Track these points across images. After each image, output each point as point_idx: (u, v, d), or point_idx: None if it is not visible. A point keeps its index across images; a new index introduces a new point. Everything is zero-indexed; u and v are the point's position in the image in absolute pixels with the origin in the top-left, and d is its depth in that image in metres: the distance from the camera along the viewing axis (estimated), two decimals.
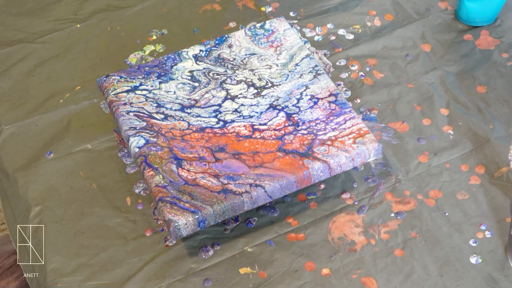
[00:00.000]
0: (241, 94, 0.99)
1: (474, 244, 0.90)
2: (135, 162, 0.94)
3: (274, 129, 0.94)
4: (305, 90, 0.99)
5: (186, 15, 1.20)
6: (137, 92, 1.00)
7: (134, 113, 0.97)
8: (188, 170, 0.91)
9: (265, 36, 1.06)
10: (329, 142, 0.92)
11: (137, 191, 0.98)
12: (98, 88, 1.07)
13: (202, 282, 0.89)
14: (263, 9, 1.20)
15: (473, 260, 0.89)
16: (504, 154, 0.98)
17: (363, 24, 1.16)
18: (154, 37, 1.16)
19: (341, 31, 1.15)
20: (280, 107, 0.97)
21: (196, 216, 0.86)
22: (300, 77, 1.00)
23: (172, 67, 1.03)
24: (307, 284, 0.88)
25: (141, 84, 1.01)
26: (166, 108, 0.98)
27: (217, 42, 1.05)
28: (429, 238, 0.91)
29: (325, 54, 1.11)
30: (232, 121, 0.96)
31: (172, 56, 1.04)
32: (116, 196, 0.97)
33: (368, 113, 1.04)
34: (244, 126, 0.95)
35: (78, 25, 1.19)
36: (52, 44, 1.16)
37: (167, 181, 0.89)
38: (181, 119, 0.96)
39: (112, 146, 1.03)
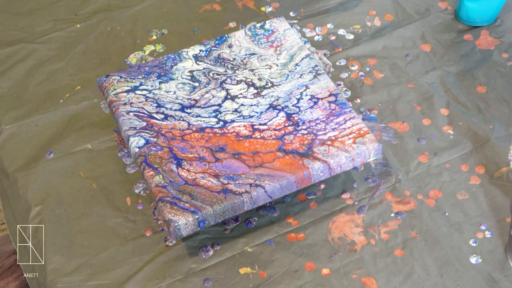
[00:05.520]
0: (241, 94, 0.99)
1: (474, 244, 0.90)
2: (135, 162, 0.94)
3: (274, 129, 0.94)
4: (305, 90, 0.99)
5: (186, 15, 1.20)
6: (137, 92, 1.00)
7: (134, 113, 0.97)
8: (188, 170, 0.91)
9: (265, 36, 1.06)
10: (329, 142, 0.92)
11: (137, 191, 0.98)
12: (98, 88, 1.07)
13: (202, 282, 0.89)
14: (263, 9, 1.20)
15: (473, 260, 0.89)
16: (504, 154, 0.98)
17: (363, 24, 1.16)
18: (154, 37, 1.16)
19: (341, 31, 1.15)
20: (280, 107, 0.97)
21: (196, 216, 0.86)
22: (300, 77, 1.00)
23: (172, 67, 1.03)
24: (307, 284, 0.88)
25: (141, 84, 1.01)
26: (166, 108, 0.98)
27: (217, 42, 1.05)
28: (429, 238, 0.91)
29: (325, 54, 1.11)
30: (232, 121, 0.96)
31: (172, 56, 1.04)
32: (116, 196, 0.97)
33: (368, 113, 1.04)
34: (244, 126, 0.95)
35: (78, 25, 1.19)
36: (52, 44, 1.16)
37: (167, 181, 0.89)
38: (181, 119, 0.96)
39: (112, 146, 1.03)
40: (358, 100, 1.06)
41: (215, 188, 0.89)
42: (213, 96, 0.99)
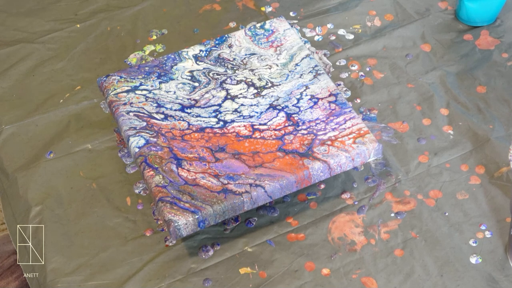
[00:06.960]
0: (241, 94, 0.99)
1: (474, 244, 0.90)
2: (135, 162, 0.94)
3: (274, 129, 0.94)
4: (305, 90, 0.99)
5: (186, 15, 1.20)
6: (137, 92, 1.00)
7: (134, 113, 0.97)
8: (188, 170, 0.91)
9: (265, 36, 1.06)
10: (329, 142, 0.92)
11: (137, 191, 0.98)
12: (98, 88, 1.07)
13: (202, 282, 0.89)
14: (263, 9, 1.20)
15: (473, 260, 0.89)
16: (504, 154, 0.98)
17: (363, 24, 1.16)
18: (154, 37, 1.16)
19: (341, 31, 1.15)
20: (280, 107, 0.97)
21: (196, 216, 0.86)
22: (300, 77, 1.00)
23: (172, 67, 1.03)
24: (307, 284, 0.88)
25: (141, 84, 1.01)
26: (166, 108, 0.98)
27: (217, 42, 1.05)
28: (429, 238, 0.91)
29: (325, 54, 1.11)
30: (232, 121, 0.96)
31: (172, 56, 1.04)
32: (116, 196, 0.97)
33: (368, 113, 1.04)
34: (244, 126, 0.95)
35: (78, 25, 1.19)
36: (52, 44, 1.16)
37: (167, 181, 0.89)
38: (181, 119, 0.96)
39: (112, 146, 1.03)
40: (358, 100, 1.06)
41: (215, 188, 0.89)
42: (213, 96, 0.99)
